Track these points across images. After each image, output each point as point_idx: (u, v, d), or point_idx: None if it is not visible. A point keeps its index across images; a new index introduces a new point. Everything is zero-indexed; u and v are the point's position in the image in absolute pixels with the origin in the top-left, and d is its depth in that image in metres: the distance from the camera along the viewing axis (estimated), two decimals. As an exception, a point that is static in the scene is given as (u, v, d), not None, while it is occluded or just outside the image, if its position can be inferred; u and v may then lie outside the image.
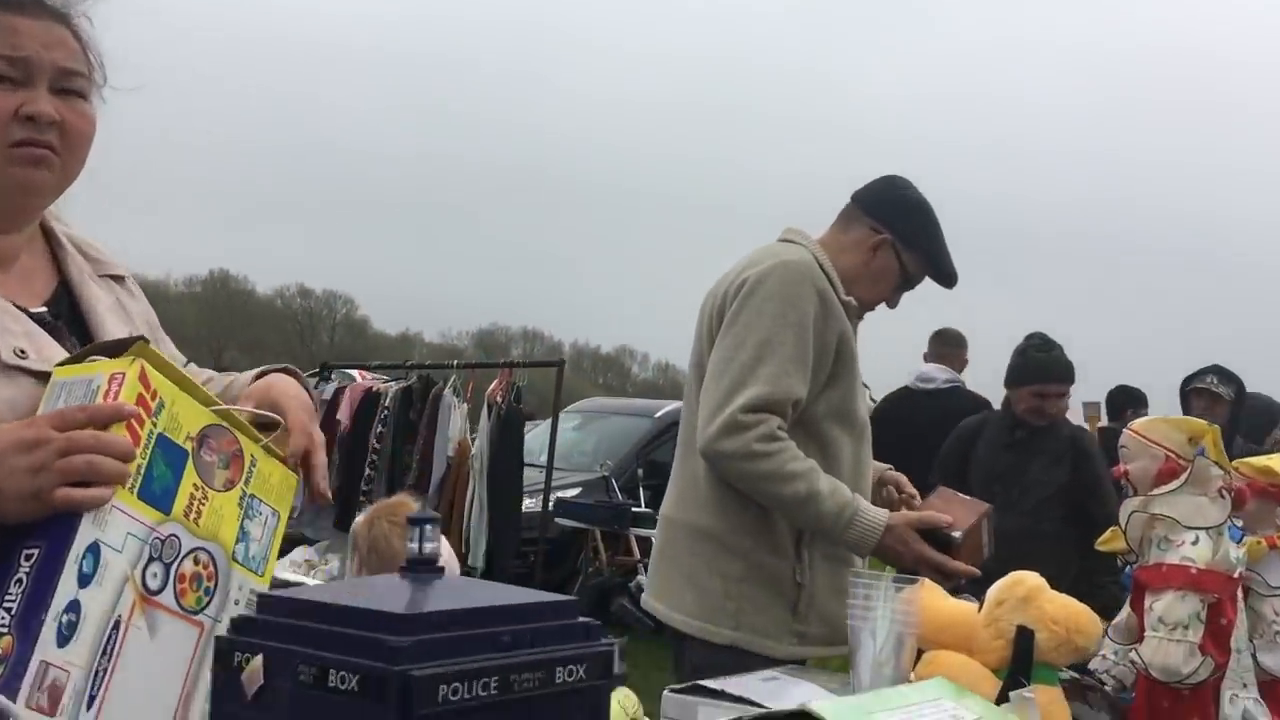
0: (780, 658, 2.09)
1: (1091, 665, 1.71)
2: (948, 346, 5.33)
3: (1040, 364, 4.12)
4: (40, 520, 1.12)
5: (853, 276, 2.36)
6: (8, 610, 1.09)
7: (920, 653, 1.51)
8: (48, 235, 1.41)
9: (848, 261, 2.38)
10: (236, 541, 1.26)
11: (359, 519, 2.25)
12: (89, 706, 1.11)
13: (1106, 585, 3.58)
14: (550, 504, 8.37)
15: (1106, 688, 1.68)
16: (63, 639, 1.08)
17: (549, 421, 8.41)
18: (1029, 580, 1.50)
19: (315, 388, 7.32)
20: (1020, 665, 1.45)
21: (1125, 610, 1.71)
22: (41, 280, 1.37)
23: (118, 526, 1.13)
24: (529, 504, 6.97)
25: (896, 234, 2.37)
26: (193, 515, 1.20)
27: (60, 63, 1.27)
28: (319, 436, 1.38)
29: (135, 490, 1.15)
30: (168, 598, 1.18)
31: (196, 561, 1.21)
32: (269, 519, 1.32)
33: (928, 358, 5.28)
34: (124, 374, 1.17)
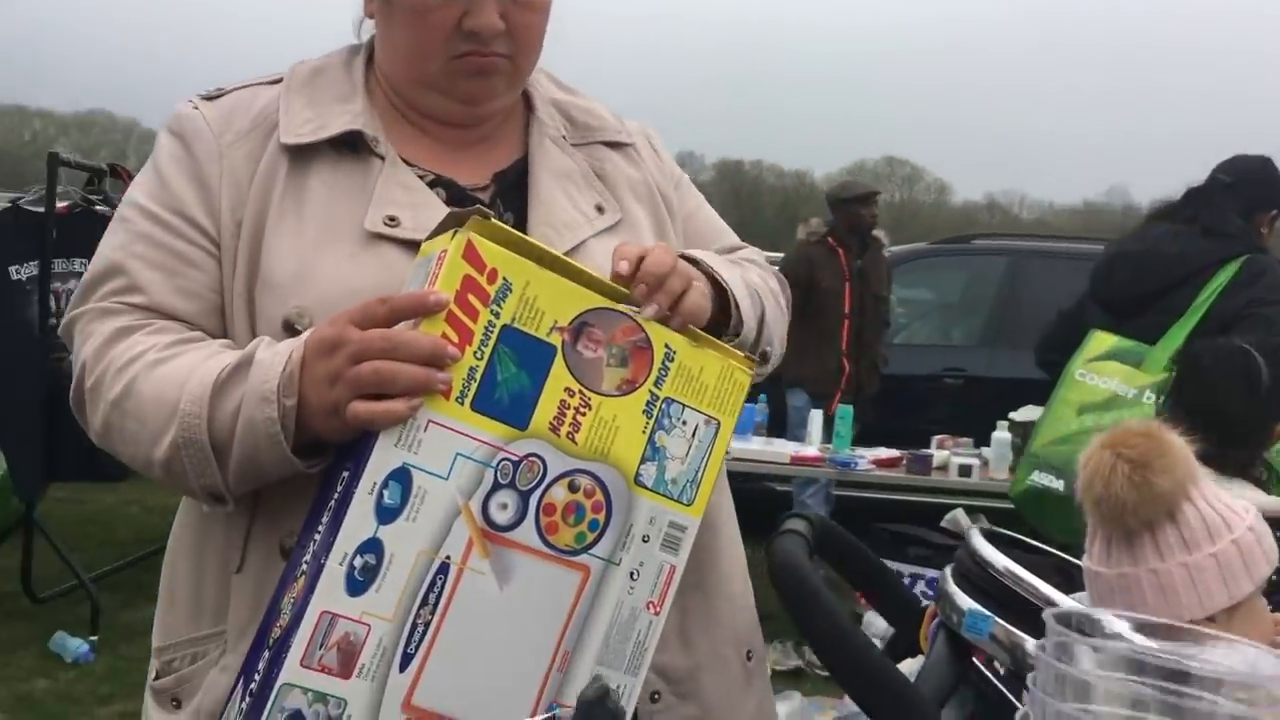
0: None
1: None
2: None
3: None
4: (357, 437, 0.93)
5: None
6: (313, 542, 0.92)
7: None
8: (527, 101, 1.25)
9: None
10: (643, 461, 0.99)
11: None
12: (403, 667, 0.91)
13: None
14: None
15: None
16: (356, 585, 0.89)
17: None
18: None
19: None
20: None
21: None
22: (503, 152, 1.21)
23: (439, 447, 0.91)
24: None
25: None
26: (565, 429, 0.96)
27: None
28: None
29: (469, 400, 0.92)
30: (527, 534, 0.95)
31: (573, 488, 0.96)
32: (700, 430, 1.02)
33: None
34: (445, 252, 0.93)
